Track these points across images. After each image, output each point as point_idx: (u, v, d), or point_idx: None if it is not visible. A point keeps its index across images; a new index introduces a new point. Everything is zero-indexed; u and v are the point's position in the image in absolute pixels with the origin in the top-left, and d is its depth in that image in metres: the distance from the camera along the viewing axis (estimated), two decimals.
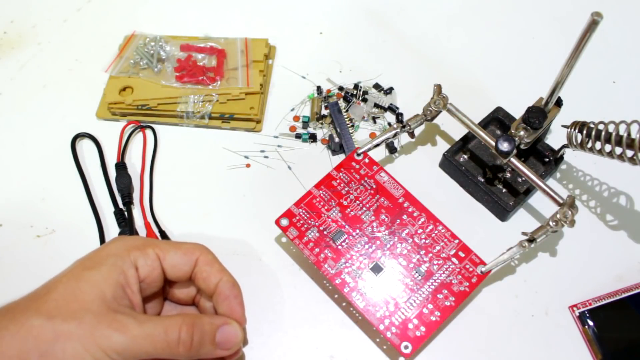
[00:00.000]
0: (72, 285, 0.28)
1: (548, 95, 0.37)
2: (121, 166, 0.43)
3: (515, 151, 0.37)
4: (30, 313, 0.26)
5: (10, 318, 0.26)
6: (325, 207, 0.38)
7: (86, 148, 0.44)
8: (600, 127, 0.35)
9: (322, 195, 0.38)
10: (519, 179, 0.41)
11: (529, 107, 0.38)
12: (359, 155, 0.40)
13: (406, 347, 0.33)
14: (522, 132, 0.38)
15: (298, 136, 0.44)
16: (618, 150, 0.34)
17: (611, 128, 0.35)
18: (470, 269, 0.35)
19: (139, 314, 0.29)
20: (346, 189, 0.39)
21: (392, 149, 0.44)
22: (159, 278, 0.31)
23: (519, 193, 0.40)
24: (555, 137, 0.43)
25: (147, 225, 0.40)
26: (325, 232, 0.37)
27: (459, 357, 0.36)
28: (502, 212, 0.40)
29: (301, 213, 0.38)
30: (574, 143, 0.38)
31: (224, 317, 0.31)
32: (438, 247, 0.36)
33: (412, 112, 0.41)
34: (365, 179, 0.39)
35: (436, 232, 0.37)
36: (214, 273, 0.32)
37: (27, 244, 0.40)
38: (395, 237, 0.37)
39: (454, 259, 0.36)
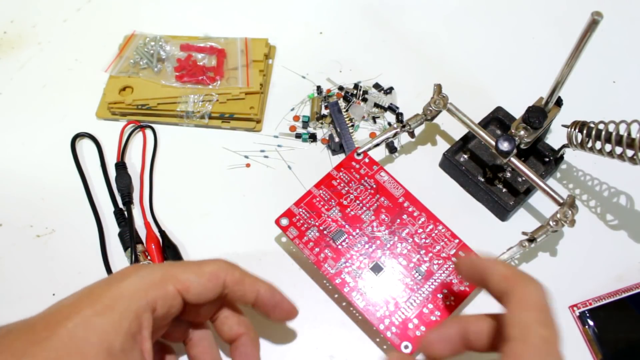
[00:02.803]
0: (79, 333, 0.24)
1: (548, 95, 0.37)
2: (121, 166, 0.43)
3: (515, 151, 0.37)
4: (25, 359, 0.24)
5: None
6: (325, 207, 0.38)
7: (86, 148, 0.44)
8: (601, 126, 0.35)
9: (322, 194, 0.38)
10: (519, 179, 0.41)
11: (529, 107, 0.38)
12: (359, 155, 0.40)
13: (406, 347, 0.33)
14: (522, 132, 0.38)
15: (298, 136, 0.44)
16: (618, 150, 0.34)
17: (611, 128, 0.35)
18: None
19: None
20: (346, 189, 0.39)
21: (392, 148, 0.44)
22: (178, 311, 0.29)
23: (519, 193, 0.40)
24: (555, 137, 0.43)
25: (147, 225, 0.40)
26: (325, 232, 0.37)
27: (459, 357, 0.36)
28: (502, 212, 0.40)
29: (301, 213, 0.38)
30: (574, 143, 0.38)
31: None
32: (438, 247, 0.36)
33: (412, 112, 0.41)
34: (365, 178, 0.39)
35: (436, 231, 0.37)
36: (248, 290, 0.30)
37: (27, 243, 0.40)
38: (395, 237, 0.37)
39: (454, 259, 0.36)
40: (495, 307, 0.37)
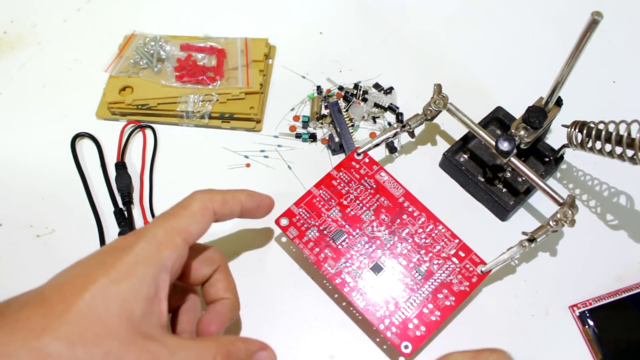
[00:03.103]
0: (97, 303, 0.24)
1: (548, 95, 0.37)
2: (121, 166, 0.43)
3: (515, 151, 0.37)
4: (47, 335, 0.22)
5: (22, 339, 0.22)
6: (325, 207, 0.38)
7: (86, 148, 0.44)
8: (601, 126, 0.35)
9: (322, 194, 0.38)
10: (519, 179, 0.41)
11: (529, 107, 0.38)
12: (359, 154, 0.40)
13: (406, 347, 0.33)
14: (522, 132, 0.38)
15: (298, 136, 0.44)
16: (618, 149, 0.34)
17: (611, 128, 0.35)
18: (471, 269, 0.35)
19: (168, 336, 0.26)
20: (346, 189, 0.39)
21: (392, 148, 0.44)
22: (184, 261, 0.29)
23: (519, 193, 0.40)
24: (556, 137, 0.43)
25: (147, 225, 0.40)
26: (325, 232, 0.37)
27: None
28: (502, 212, 0.40)
29: (301, 213, 0.38)
30: (574, 143, 0.38)
31: (259, 342, 0.30)
32: (438, 247, 0.36)
33: (412, 112, 0.41)
34: (365, 178, 0.39)
35: (436, 231, 0.37)
36: (233, 206, 0.31)
37: (27, 243, 0.40)
38: (395, 237, 0.37)
39: (454, 259, 0.36)
40: (494, 306, 0.37)
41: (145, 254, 0.26)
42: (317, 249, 0.36)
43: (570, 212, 0.35)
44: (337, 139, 0.43)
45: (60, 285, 0.25)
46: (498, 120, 0.43)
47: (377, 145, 0.40)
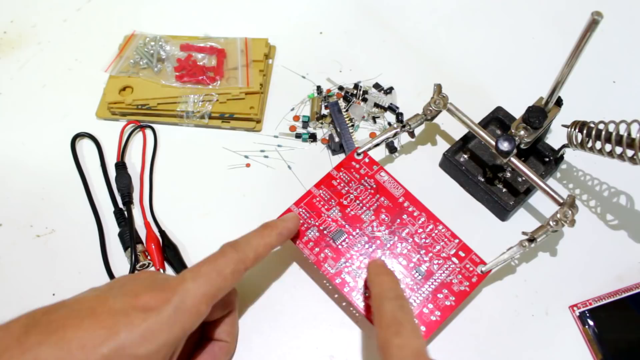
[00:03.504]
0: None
1: (548, 95, 0.37)
2: (121, 166, 0.43)
3: (515, 151, 0.37)
4: None
5: None
6: (325, 207, 0.38)
7: (86, 148, 0.44)
8: (601, 126, 0.35)
9: (322, 194, 0.38)
10: (519, 179, 0.41)
11: (529, 107, 0.38)
12: (359, 154, 0.40)
13: None
14: (522, 132, 0.38)
15: (298, 136, 0.44)
16: (618, 149, 0.34)
17: (611, 128, 0.35)
18: (471, 269, 0.35)
19: None
20: (346, 189, 0.39)
21: (392, 148, 0.44)
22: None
23: (519, 193, 0.40)
24: (556, 137, 0.43)
25: (147, 225, 0.40)
26: (325, 232, 0.37)
27: (459, 357, 0.36)
28: (502, 212, 0.40)
29: (301, 212, 0.38)
30: (574, 143, 0.38)
31: None
32: (438, 247, 0.36)
33: (412, 112, 0.41)
34: (365, 178, 0.39)
35: (436, 231, 0.37)
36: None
37: (26, 243, 0.40)
38: (396, 237, 0.37)
39: (454, 259, 0.36)
40: (494, 306, 0.37)
41: (170, 322, 0.27)
42: (317, 249, 0.36)
43: (570, 212, 0.35)
44: (337, 139, 0.43)
45: (83, 328, 0.25)
46: (498, 120, 0.43)
47: (377, 145, 0.40)
